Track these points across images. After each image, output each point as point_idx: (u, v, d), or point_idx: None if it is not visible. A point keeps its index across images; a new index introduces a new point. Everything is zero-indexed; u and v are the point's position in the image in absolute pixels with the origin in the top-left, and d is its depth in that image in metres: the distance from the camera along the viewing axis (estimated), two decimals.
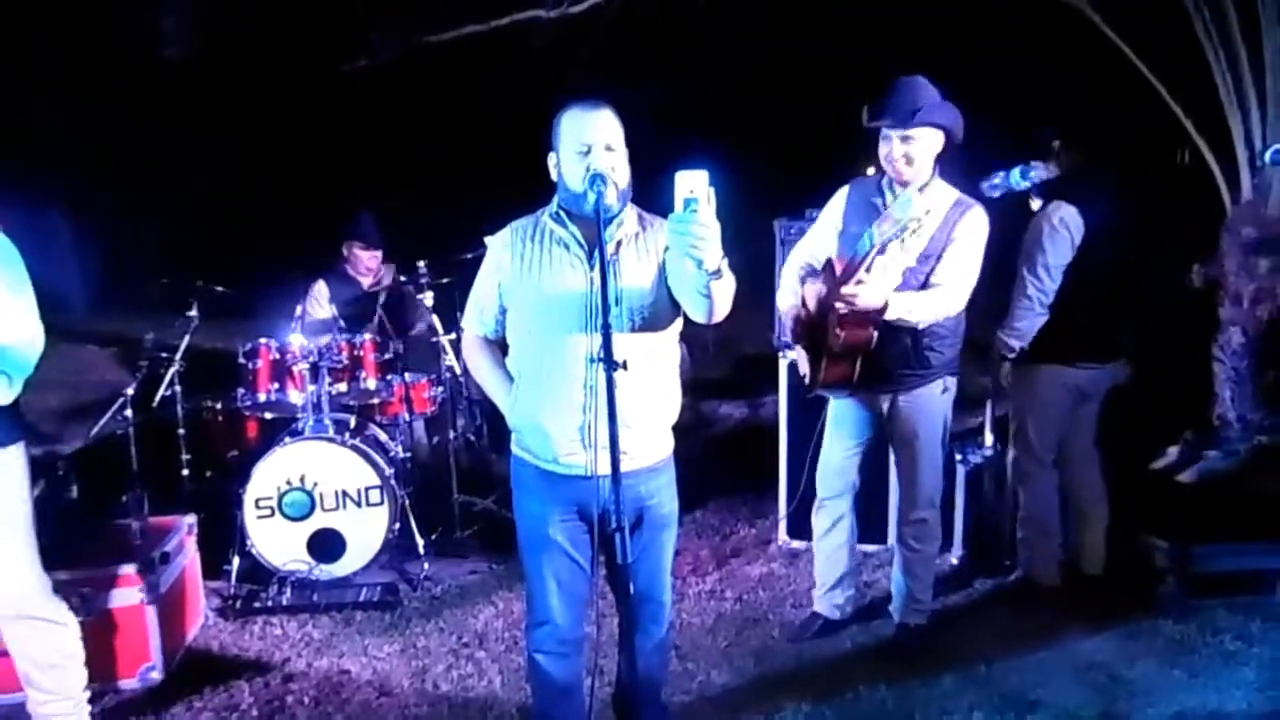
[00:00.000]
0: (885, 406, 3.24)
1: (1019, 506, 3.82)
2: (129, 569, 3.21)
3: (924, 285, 3.04)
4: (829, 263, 3.12)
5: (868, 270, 2.87)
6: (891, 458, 3.42)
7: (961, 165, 3.15)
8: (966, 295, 3.07)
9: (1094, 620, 3.48)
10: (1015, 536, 3.87)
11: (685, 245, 2.08)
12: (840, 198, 3.25)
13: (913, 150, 3.00)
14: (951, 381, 3.25)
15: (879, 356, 3.04)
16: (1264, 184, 4.88)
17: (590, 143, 2.31)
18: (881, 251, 2.84)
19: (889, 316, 2.94)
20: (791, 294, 3.28)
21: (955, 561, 4.08)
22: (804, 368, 3.23)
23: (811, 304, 3.20)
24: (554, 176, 2.41)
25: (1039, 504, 3.72)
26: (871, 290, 2.87)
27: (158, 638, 3.23)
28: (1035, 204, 3.58)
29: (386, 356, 4.34)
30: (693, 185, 2.05)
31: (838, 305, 2.90)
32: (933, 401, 3.23)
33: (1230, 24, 4.71)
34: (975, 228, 3.05)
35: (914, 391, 3.19)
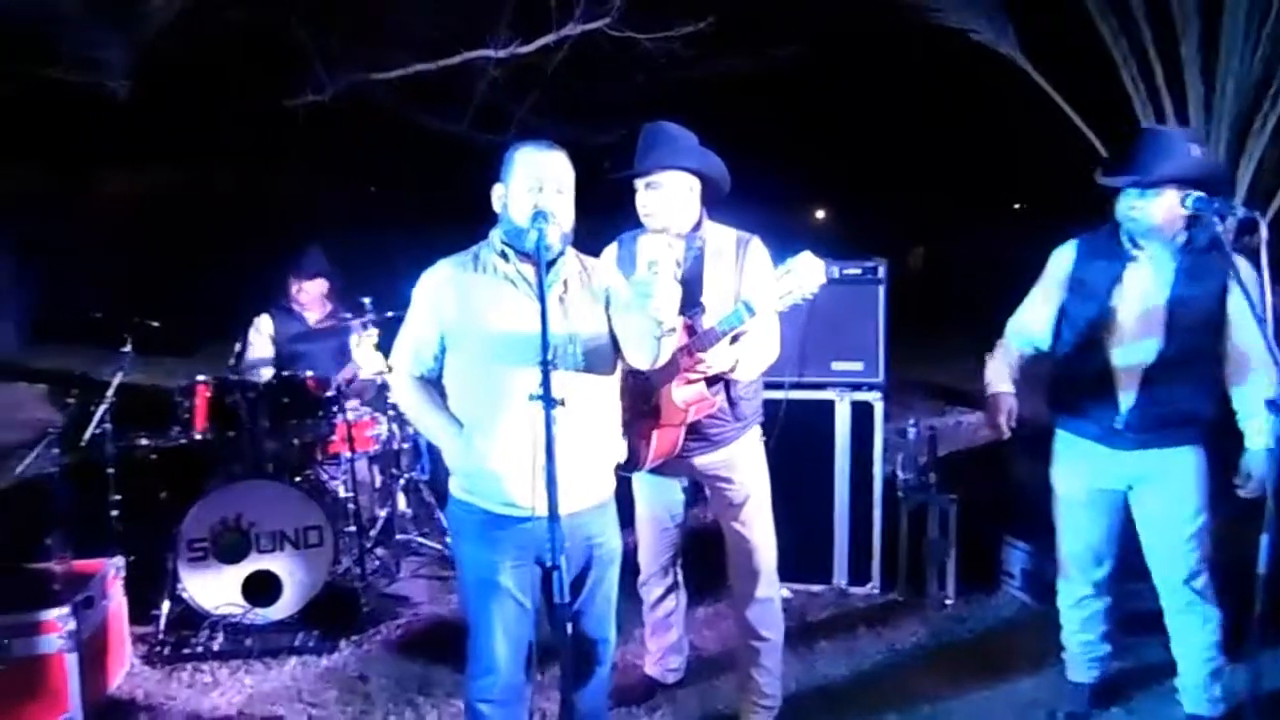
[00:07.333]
0: (703, 466, 2.99)
1: None
2: (49, 614, 3.08)
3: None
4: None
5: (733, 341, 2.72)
6: (726, 533, 3.11)
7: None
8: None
9: (1033, 659, 3.51)
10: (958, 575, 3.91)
11: (647, 304, 2.20)
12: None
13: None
14: (758, 429, 3.06)
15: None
16: None
17: (542, 181, 2.34)
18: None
19: (739, 375, 2.82)
20: None
21: (900, 599, 4.10)
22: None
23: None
24: (496, 208, 2.42)
25: None
26: (723, 352, 2.74)
27: (77, 686, 3.09)
28: None
29: (328, 394, 4.26)
30: (655, 249, 2.16)
31: (686, 374, 2.73)
32: (750, 452, 3.02)
33: (1155, 75, 4.91)
34: (764, 258, 2.92)
35: (731, 446, 2.97)
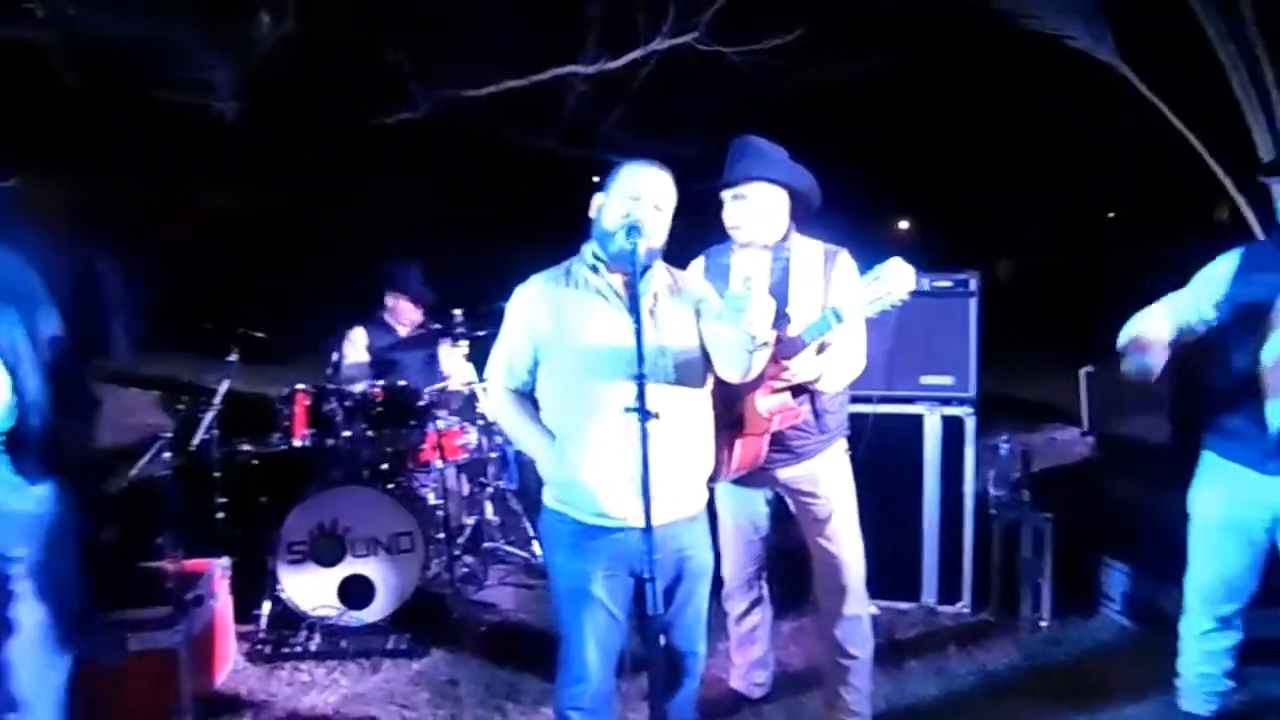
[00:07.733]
0: (786, 480, 2.97)
1: None
2: (162, 611, 3.22)
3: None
4: None
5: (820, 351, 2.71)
6: (810, 545, 3.06)
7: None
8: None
9: (1136, 686, 3.37)
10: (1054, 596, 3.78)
11: (740, 318, 2.19)
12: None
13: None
14: (843, 443, 3.03)
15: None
16: None
17: (641, 195, 2.38)
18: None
19: (825, 386, 2.79)
20: None
21: (992, 619, 4.00)
22: None
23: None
24: (592, 214, 2.46)
25: None
26: (808, 361, 2.71)
27: (188, 681, 3.22)
28: None
29: (420, 403, 4.37)
30: (750, 264, 2.14)
31: (771, 382, 2.70)
32: (835, 466, 2.98)
33: (1266, 80, 4.71)
34: (851, 270, 2.85)
35: (815, 459, 2.94)
